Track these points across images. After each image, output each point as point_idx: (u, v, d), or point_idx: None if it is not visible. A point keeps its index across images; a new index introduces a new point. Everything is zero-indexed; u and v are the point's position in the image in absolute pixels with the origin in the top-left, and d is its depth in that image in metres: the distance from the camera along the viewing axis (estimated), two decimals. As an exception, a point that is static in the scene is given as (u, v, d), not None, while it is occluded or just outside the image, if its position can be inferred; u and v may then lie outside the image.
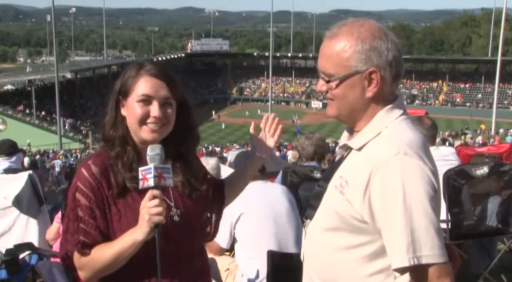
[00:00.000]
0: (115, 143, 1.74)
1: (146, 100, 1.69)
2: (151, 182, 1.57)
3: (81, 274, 1.72)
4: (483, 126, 46.44)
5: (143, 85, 1.70)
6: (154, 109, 1.68)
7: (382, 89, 1.50)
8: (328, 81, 1.53)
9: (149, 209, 1.57)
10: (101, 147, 1.79)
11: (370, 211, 1.41)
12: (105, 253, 1.65)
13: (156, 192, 1.58)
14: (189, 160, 1.83)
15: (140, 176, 1.59)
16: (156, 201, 1.57)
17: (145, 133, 1.70)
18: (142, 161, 1.70)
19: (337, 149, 1.70)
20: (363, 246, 1.47)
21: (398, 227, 1.35)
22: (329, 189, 1.55)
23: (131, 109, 1.71)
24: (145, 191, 1.64)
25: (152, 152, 1.62)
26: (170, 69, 1.79)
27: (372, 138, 1.50)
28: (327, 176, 1.61)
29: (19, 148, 5.06)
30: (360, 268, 1.48)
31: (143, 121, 1.69)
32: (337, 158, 1.66)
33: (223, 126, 56.21)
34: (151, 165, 1.59)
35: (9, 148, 4.83)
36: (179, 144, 1.81)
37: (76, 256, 1.69)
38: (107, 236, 1.68)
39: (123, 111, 1.75)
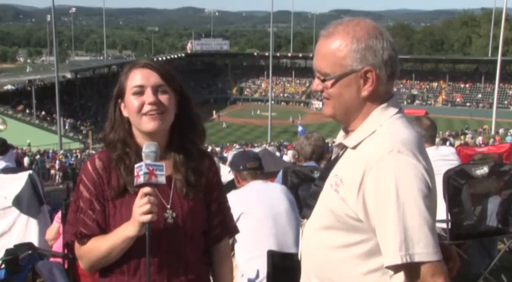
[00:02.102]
0: (116, 145, 1.76)
1: (139, 91, 1.71)
2: (141, 179, 1.59)
3: (81, 263, 1.79)
4: (485, 127, 46.30)
5: (134, 78, 1.73)
6: (147, 95, 1.70)
7: (378, 88, 1.50)
8: (323, 80, 1.53)
9: (138, 208, 1.59)
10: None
11: (364, 209, 1.41)
12: (100, 245, 1.69)
13: (147, 189, 1.59)
14: (192, 154, 1.82)
15: (135, 173, 1.61)
16: (145, 200, 1.58)
17: (145, 123, 1.71)
18: None
19: (333, 147, 1.70)
20: (358, 245, 1.46)
21: (391, 225, 1.35)
22: (324, 187, 1.55)
23: (129, 105, 1.73)
24: None
25: (147, 149, 1.64)
26: (165, 64, 1.82)
27: (367, 136, 1.50)
28: (323, 174, 1.61)
29: (8, 144, 5.07)
30: (356, 266, 1.47)
31: (140, 111, 1.70)
32: (333, 157, 1.66)
33: (224, 125, 56.20)
34: (142, 162, 1.60)
35: (1, 147, 4.85)
36: (182, 137, 1.82)
37: (77, 246, 1.75)
38: (105, 230, 1.72)
39: (125, 113, 1.77)
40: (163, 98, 1.72)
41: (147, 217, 1.57)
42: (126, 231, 1.63)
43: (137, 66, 1.75)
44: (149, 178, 1.58)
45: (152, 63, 1.76)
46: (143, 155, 1.63)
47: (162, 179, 1.60)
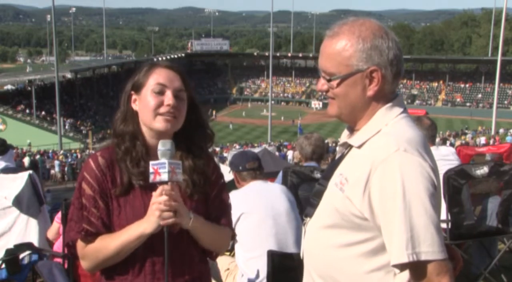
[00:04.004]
0: (125, 138, 1.76)
1: (160, 90, 1.72)
2: (164, 177, 1.59)
3: (83, 264, 1.76)
4: (479, 128, 46.41)
5: (158, 75, 1.74)
6: (168, 98, 1.72)
7: (383, 87, 1.51)
8: (329, 80, 1.53)
9: (160, 205, 1.59)
10: (112, 143, 1.81)
11: (370, 207, 1.42)
12: (109, 244, 1.68)
13: (167, 187, 1.60)
14: (199, 158, 1.82)
15: (152, 170, 1.61)
16: (166, 197, 1.60)
17: (159, 123, 1.71)
18: (150, 157, 1.71)
19: (337, 147, 1.70)
20: (363, 243, 1.47)
21: (398, 223, 1.36)
22: (329, 186, 1.55)
23: (144, 101, 1.73)
24: (146, 188, 1.68)
25: (164, 147, 1.64)
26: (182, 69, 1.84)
27: (372, 136, 1.50)
28: (327, 174, 1.61)
29: (8, 144, 5.08)
30: (360, 265, 1.48)
31: (156, 110, 1.71)
32: (337, 156, 1.66)
33: (230, 127, 56.11)
34: (164, 160, 1.61)
35: (0, 147, 4.85)
36: (190, 142, 1.83)
37: (80, 245, 1.73)
38: (110, 228, 1.71)
39: (135, 106, 1.77)
40: (180, 103, 1.75)
41: (170, 214, 1.60)
42: (140, 228, 1.63)
43: (162, 66, 1.77)
44: (171, 176, 1.60)
45: (176, 66, 1.79)
46: (159, 152, 1.63)
47: (180, 177, 1.63)
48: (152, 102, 1.71)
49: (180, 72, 1.79)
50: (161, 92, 1.72)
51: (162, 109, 1.71)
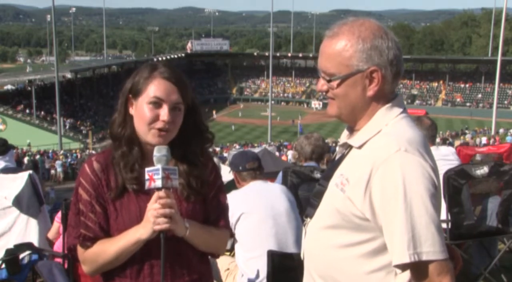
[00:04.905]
0: (122, 142, 1.75)
1: (157, 103, 1.69)
2: (158, 183, 1.58)
3: (84, 268, 1.77)
4: (477, 129, 46.46)
5: (156, 87, 1.69)
6: (164, 113, 1.68)
7: (383, 88, 1.51)
8: (329, 81, 1.53)
9: (155, 211, 1.58)
10: (109, 145, 1.80)
11: (371, 208, 1.42)
12: (108, 248, 1.68)
13: (162, 193, 1.59)
14: (195, 163, 1.80)
15: (147, 177, 1.60)
16: (159, 205, 1.58)
17: (151, 137, 1.70)
18: (146, 162, 1.71)
19: (337, 147, 1.70)
20: (364, 244, 1.47)
21: (399, 223, 1.36)
22: (329, 187, 1.55)
23: (140, 111, 1.70)
24: (140, 192, 1.68)
25: (159, 152, 1.63)
26: (181, 73, 1.78)
27: (373, 136, 1.51)
28: (328, 174, 1.61)
29: (9, 144, 5.08)
30: (361, 265, 1.48)
31: (151, 125, 1.69)
32: (337, 157, 1.66)
33: (233, 128, 56.02)
34: (158, 166, 1.60)
35: (1, 147, 4.85)
36: (186, 147, 1.80)
37: (80, 250, 1.74)
38: (108, 232, 1.71)
39: (131, 111, 1.75)
40: (176, 116, 1.71)
41: (164, 220, 1.58)
42: (137, 234, 1.63)
43: (161, 76, 1.71)
44: (166, 182, 1.59)
45: (175, 77, 1.72)
46: (154, 158, 1.62)
47: (176, 183, 1.62)
48: (147, 115, 1.68)
49: (180, 82, 1.73)
50: (157, 105, 1.69)
51: (158, 125, 1.68)
